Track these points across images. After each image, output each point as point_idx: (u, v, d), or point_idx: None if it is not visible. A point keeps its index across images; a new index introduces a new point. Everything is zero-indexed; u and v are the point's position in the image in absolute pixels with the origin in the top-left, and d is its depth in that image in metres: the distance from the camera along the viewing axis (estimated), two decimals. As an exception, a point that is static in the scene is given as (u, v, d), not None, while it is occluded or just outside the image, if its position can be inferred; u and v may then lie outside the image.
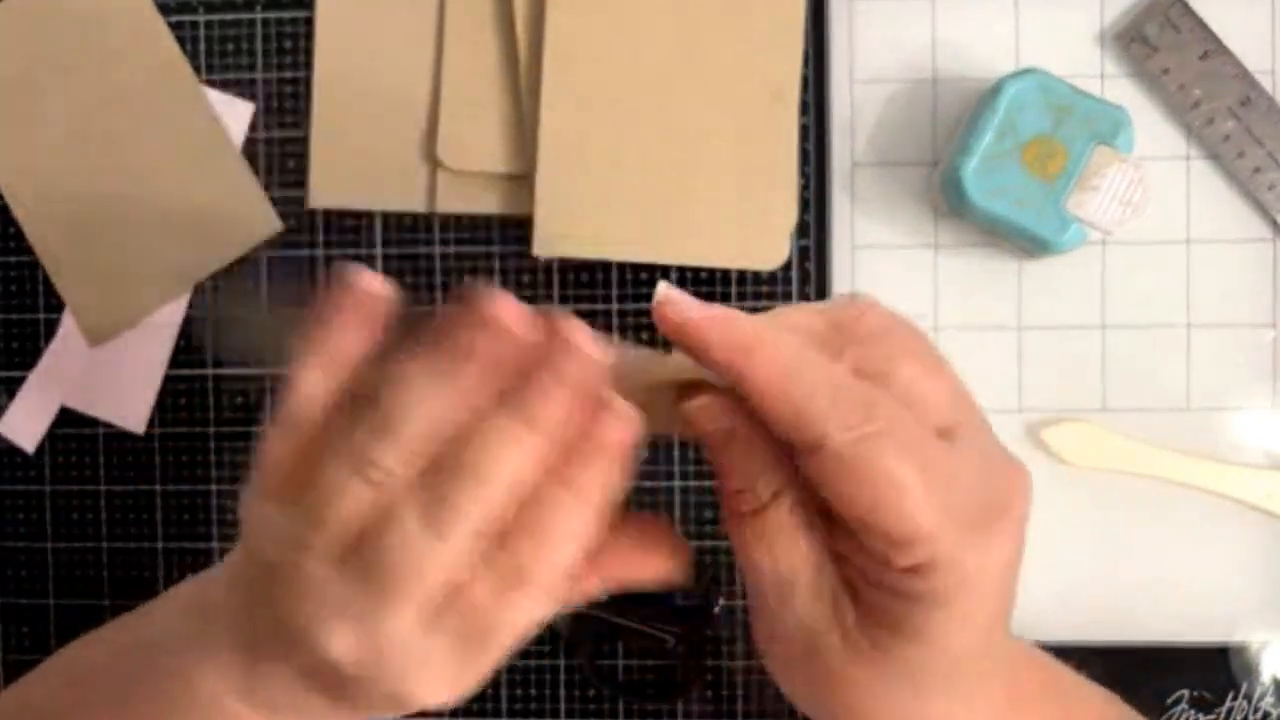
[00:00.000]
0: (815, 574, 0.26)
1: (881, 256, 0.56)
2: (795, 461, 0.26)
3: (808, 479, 0.26)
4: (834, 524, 0.26)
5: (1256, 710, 0.54)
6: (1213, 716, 0.54)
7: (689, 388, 0.28)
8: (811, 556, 0.26)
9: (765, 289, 0.56)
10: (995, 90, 0.51)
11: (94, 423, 0.59)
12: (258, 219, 0.58)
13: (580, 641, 0.56)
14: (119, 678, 0.34)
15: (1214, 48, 0.54)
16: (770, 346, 0.26)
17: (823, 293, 0.56)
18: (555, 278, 0.57)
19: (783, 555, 0.26)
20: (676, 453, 0.56)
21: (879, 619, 0.26)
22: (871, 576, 0.26)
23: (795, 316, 0.28)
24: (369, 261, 0.57)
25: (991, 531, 0.26)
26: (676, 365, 0.29)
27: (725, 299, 0.56)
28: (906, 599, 0.25)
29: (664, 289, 0.28)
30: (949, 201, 0.53)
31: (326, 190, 0.57)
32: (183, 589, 0.36)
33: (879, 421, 0.25)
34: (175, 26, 0.58)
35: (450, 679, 0.29)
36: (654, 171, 0.55)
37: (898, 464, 0.24)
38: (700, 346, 0.26)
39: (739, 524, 0.27)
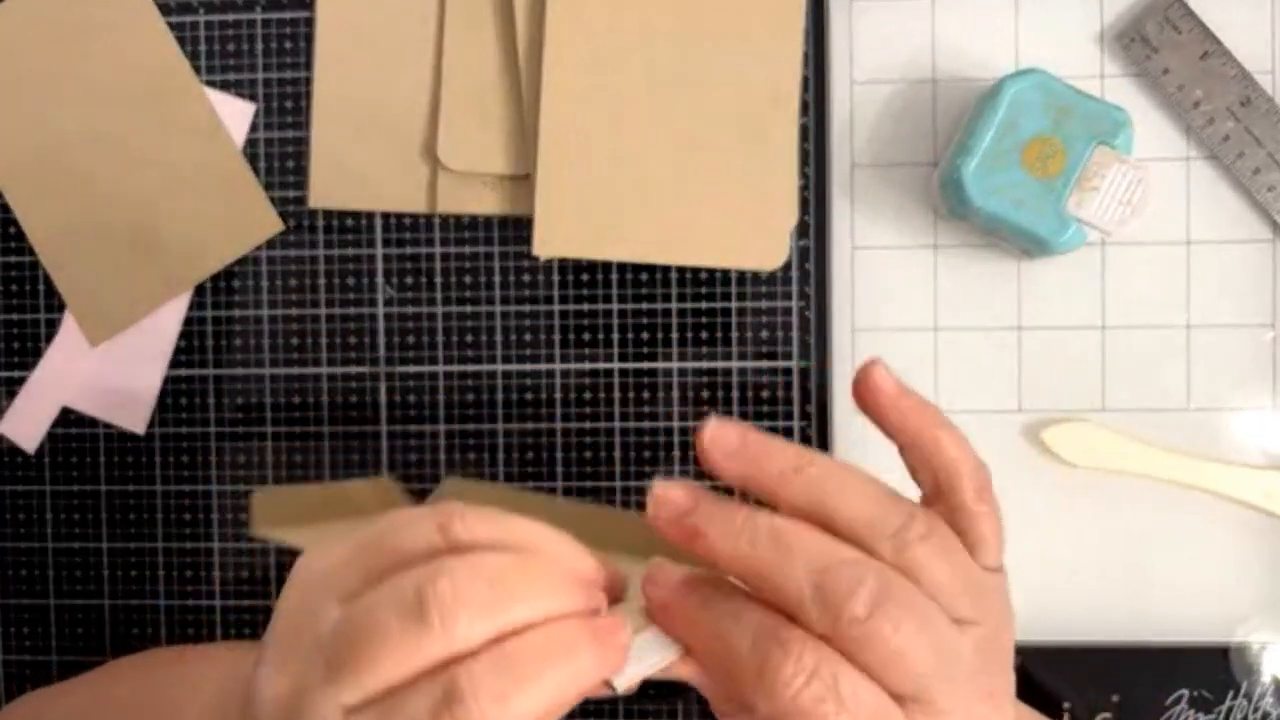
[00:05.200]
0: None
1: (881, 257, 0.56)
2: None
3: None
4: None
5: (1256, 710, 0.54)
6: (1213, 716, 0.54)
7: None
8: None
9: (765, 289, 0.56)
10: (995, 90, 0.51)
11: (94, 423, 0.59)
12: (258, 219, 0.58)
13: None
14: None
15: (1214, 48, 0.54)
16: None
17: (822, 293, 0.56)
18: (555, 278, 0.57)
19: None
20: (677, 454, 0.57)
21: None
22: None
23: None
24: (369, 261, 0.58)
25: None
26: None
27: (725, 299, 0.56)
28: None
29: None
30: (949, 202, 0.53)
31: (327, 190, 0.57)
32: (218, 669, 0.41)
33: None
34: (176, 27, 0.58)
35: None
36: (654, 172, 0.55)
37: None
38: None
39: None
